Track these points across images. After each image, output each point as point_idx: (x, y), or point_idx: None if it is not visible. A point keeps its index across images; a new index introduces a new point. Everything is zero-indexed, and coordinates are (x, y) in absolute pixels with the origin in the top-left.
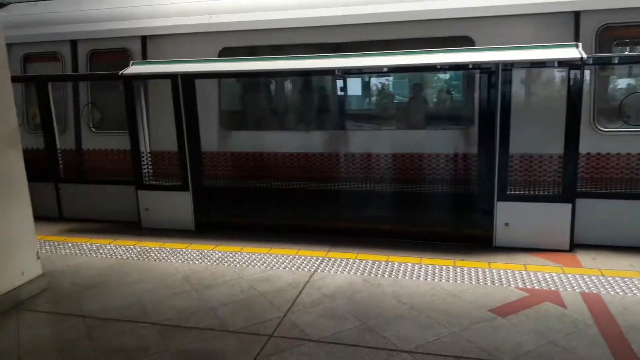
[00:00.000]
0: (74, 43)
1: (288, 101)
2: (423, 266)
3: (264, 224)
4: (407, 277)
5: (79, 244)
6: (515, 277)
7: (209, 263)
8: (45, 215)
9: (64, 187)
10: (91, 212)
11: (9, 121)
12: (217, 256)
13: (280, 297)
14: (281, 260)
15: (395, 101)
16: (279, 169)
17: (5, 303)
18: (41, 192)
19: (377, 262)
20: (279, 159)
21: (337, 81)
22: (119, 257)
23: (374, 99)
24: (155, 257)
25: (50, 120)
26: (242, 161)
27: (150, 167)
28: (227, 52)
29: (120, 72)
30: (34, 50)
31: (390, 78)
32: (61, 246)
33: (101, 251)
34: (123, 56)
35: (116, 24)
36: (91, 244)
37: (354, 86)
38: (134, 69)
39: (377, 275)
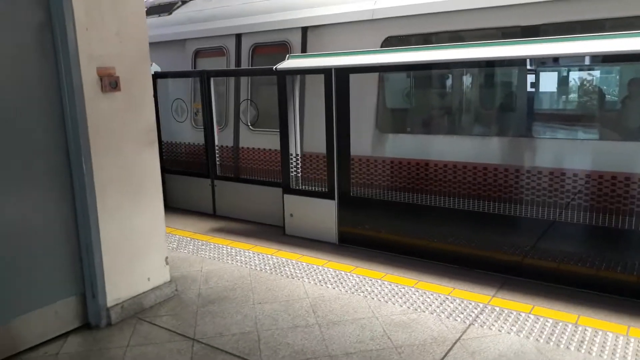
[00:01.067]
0: (238, 37)
1: (461, 100)
2: (632, 340)
3: (414, 246)
4: (606, 356)
5: (221, 246)
6: None
7: (342, 290)
8: (202, 211)
9: (219, 184)
10: (242, 212)
11: (147, 118)
12: (353, 282)
13: (419, 358)
14: (429, 300)
15: (608, 101)
16: (441, 182)
17: (127, 310)
18: (199, 187)
19: (560, 323)
20: (442, 170)
21: (528, 74)
22: (253, 267)
23: (577, 98)
24: (288, 273)
25: (211, 117)
26: (398, 170)
27: (299, 169)
28: (392, 42)
29: (274, 67)
30: (204, 46)
31: (599, 71)
32: (204, 247)
33: (238, 257)
34: (284, 49)
35: (276, 16)
36: (231, 248)
37: (547, 81)
38: (288, 63)
39: (558, 345)
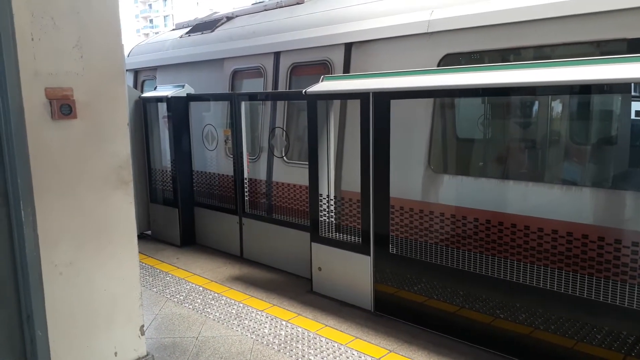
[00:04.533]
0: (277, 56)
1: (536, 135)
2: None
3: (474, 330)
4: None
5: (233, 302)
6: None
7: None
8: (228, 252)
9: (248, 223)
10: (270, 258)
11: (118, 151)
12: None
13: None
14: None
15: None
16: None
17: None
18: (227, 225)
19: None
20: (521, 226)
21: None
22: (260, 338)
23: None
24: (300, 354)
25: (240, 145)
26: (454, 221)
27: (331, 213)
28: (452, 61)
29: (304, 91)
30: (241, 66)
31: None
32: (214, 302)
33: (247, 322)
34: (324, 70)
35: (316, 31)
36: (244, 306)
37: None
38: (321, 85)
39: None
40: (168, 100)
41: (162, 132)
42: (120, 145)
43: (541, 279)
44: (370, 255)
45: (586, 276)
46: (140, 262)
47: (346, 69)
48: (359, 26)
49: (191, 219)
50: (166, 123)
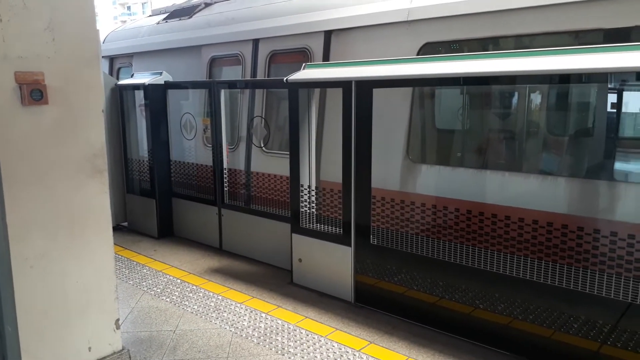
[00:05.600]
0: (255, 43)
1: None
2: None
3: (454, 320)
4: None
5: (212, 294)
6: None
7: None
8: (207, 243)
9: (226, 214)
10: (249, 249)
11: (92, 139)
12: None
13: None
14: None
15: None
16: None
17: None
18: (205, 216)
19: None
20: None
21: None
22: (239, 331)
23: None
24: (279, 346)
25: (219, 134)
26: (434, 212)
27: (312, 204)
28: (431, 50)
29: (285, 79)
30: (219, 53)
31: None
32: (192, 294)
33: (226, 314)
34: (303, 58)
35: (295, 18)
36: (223, 299)
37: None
38: (303, 74)
39: None
40: (145, 87)
41: (139, 121)
42: (95, 133)
43: (521, 269)
44: (351, 246)
45: (565, 266)
46: (116, 254)
47: (326, 57)
48: (338, 14)
49: (169, 210)
50: (143, 111)
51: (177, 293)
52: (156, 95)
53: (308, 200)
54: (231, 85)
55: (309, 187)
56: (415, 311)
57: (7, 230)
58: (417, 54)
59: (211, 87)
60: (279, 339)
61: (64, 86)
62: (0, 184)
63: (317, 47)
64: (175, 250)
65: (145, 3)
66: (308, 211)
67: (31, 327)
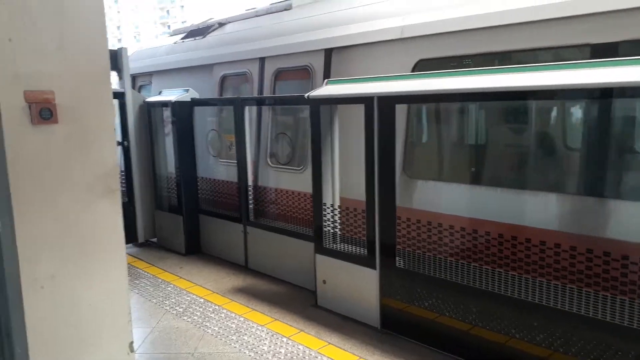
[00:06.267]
0: (262, 61)
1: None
2: None
3: (489, 351)
4: None
5: (234, 315)
6: None
7: None
8: (233, 261)
9: (251, 231)
10: (274, 268)
11: (104, 158)
12: None
13: None
14: None
15: None
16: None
17: None
18: (231, 233)
19: None
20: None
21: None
22: (259, 356)
23: None
24: None
25: (244, 151)
26: (464, 235)
27: (335, 223)
28: (426, 66)
29: (306, 95)
30: (229, 71)
31: None
32: (213, 315)
33: (246, 338)
34: (306, 75)
35: (298, 37)
36: (245, 320)
37: None
38: (324, 90)
39: None
40: (172, 105)
41: (167, 138)
42: (107, 152)
43: (559, 299)
44: (376, 268)
45: (609, 297)
46: (143, 271)
47: (326, 74)
48: (338, 32)
49: (196, 227)
50: (169, 128)
51: (199, 313)
52: (183, 112)
53: (331, 219)
54: (256, 102)
55: (332, 205)
56: (445, 340)
57: (17, 250)
58: (412, 71)
59: (236, 104)
60: None
61: (74, 104)
62: (10, 204)
63: (318, 64)
64: (201, 268)
65: (184, 22)
66: (331, 231)
67: (41, 349)
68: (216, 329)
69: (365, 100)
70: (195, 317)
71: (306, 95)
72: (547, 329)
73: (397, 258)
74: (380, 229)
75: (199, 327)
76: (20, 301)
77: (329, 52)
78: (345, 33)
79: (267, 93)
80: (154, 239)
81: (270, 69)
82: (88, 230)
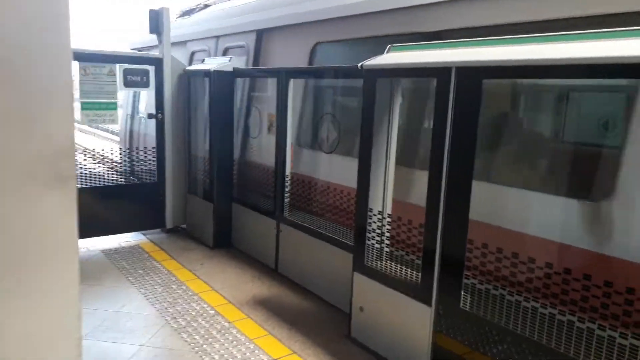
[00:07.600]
0: (217, 40)
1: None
2: None
3: None
4: None
5: (243, 339)
6: None
7: None
8: (262, 261)
9: (285, 230)
10: (306, 277)
11: (54, 135)
12: None
13: None
14: None
15: None
16: None
17: None
18: (264, 229)
19: None
20: None
21: None
22: None
23: None
24: None
25: (284, 132)
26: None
27: (384, 236)
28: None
29: (359, 65)
30: (196, 48)
31: None
32: (219, 336)
33: None
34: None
35: (239, 20)
36: (254, 348)
37: None
38: (383, 58)
39: None
40: (210, 74)
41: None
42: (58, 125)
43: None
44: (431, 305)
45: None
46: (159, 264)
47: (256, 53)
48: (265, 15)
49: (228, 217)
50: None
51: (202, 330)
52: (222, 84)
53: (379, 230)
54: (303, 73)
55: (381, 212)
56: None
57: None
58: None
59: (279, 76)
60: None
61: (9, 55)
62: None
63: (252, 44)
64: (224, 267)
65: None
66: (377, 245)
67: None
68: (216, 357)
69: (436, 72)
70: (196, 337)
71: (360, 65)
72: None
73: (462, 294)
74: (443, 253)
75: (196, 352)
76: None
77: (260, 33)
78: (268, 17)
79: None
80: (184, 225)
81: (221, 47)
82: (34, 227)
